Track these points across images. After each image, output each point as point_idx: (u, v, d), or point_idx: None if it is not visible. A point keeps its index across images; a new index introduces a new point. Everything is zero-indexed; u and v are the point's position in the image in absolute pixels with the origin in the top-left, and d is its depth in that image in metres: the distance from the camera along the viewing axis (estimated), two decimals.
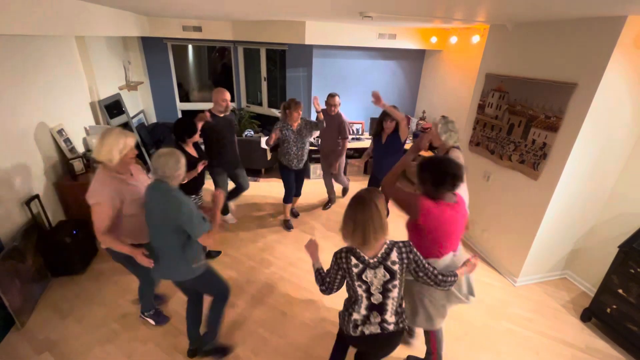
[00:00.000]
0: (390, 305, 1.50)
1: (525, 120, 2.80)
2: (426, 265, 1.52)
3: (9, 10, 1.88)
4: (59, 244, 2.75)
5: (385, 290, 1.47)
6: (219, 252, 3.29)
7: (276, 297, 2.80)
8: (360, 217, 1.39)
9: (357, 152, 5.24)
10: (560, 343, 2.51)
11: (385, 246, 1.46)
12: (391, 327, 1.53)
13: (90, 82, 3.80)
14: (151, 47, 5.09)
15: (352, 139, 5.07)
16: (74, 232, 2.87)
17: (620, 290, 2.44)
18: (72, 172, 3.09)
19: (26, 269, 2.53)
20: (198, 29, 4.75)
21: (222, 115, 3.20)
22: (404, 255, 1.47)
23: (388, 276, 1.45)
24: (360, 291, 1.48)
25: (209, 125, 3.06)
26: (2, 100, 2.53)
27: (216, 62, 6.12)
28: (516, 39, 2.87)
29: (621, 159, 2.69)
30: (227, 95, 3.16)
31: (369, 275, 1.45)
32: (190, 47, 5.69)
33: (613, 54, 2.17)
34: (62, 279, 2.87)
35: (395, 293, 1.48)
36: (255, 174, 5.11)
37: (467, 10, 2.44)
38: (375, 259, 1.44)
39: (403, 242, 1.50)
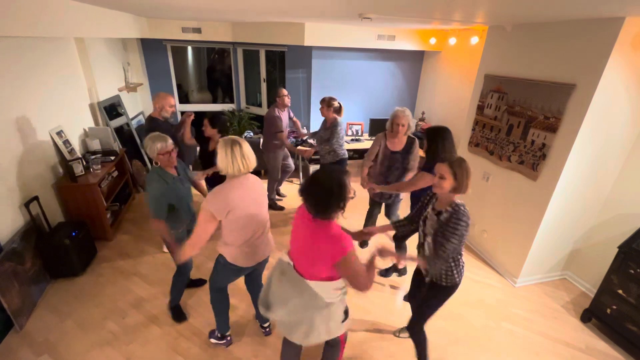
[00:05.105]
0: None
1: (524, 121, 2.81)
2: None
3: (8, 12, 1.88)
4: (58, 245, 2.74)
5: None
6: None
7: None
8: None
9: (357, 153, 5.24)
10: (560, 343, 2.51)
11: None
12: None
13: (89, 83, 3.80)
14: (151, 48, 5.09)
15: (351, 140, 5.08)
16: (73, 233, 2.86)
17: (620, 291, 2.44)
18: (71, 174, 3.09)
19: (25, 271, 2.52)
20: (197, 30, 4.75)
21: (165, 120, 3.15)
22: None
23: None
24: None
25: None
26: (1, 101, 2.53)
27: (215, 64, 6.12)
28: (515, 40, 2.88)
29: (620, 159, 2.69)
30: (173, 100, 3.13)
31: None
32: (189, 48, 5.69)
33: (611, 55, 2.18)
34: (61, 281, 2.86)
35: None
36: (255, 175, 5.10)
37: (466, 12, 2.45)
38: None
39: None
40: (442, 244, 1.69)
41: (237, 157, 1.75)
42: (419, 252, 1.96)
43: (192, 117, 3.30)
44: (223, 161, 1.75)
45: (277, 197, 4.48)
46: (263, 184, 2.00)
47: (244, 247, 1.92)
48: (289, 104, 3.87)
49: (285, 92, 3.77)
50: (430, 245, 1.79)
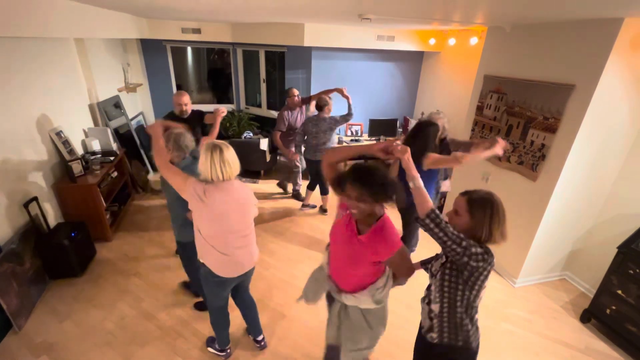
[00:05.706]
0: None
1: (523, 122, 2.81)
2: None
3: (8, 12, 1.88)
4: (57, 246, 2.73)
5: None
6: None
7: (276, 299, 2.79)
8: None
9: None
10: (559, 344, 2.51)
11: None
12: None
13: (89, 84, 3.81)
14: (150, 49, 5.09)
15: (351, 140, 5.08)
16: (72, 234, 2.86)
17: (619, 291, 2.44)
18: (70, 174, 3.08)
19: (24, 272, 2.52)
20: (197, 31, 4.75)
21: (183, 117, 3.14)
22: None
23: None
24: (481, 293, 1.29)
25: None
26: (0, 102, 2.53)
27: (215, 64, 6.13)
28: (514, 40, 2.88)
29: (619, 159, 2.69)
30: (184, 99, 3.13)
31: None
32: (189, 49, 5.69)
33: (610, 56, 2.18)
34: (60, 282, 2.85)
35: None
36: (255, 175, 5.12)
37: (465, 12, 2.45)
38: None
39: None
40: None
41: (216, 163, 1.69)
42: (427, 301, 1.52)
43: (224, 112, 3.04)
44: (202, 166, 1.71)
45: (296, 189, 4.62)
46: (250, 192, 1.92)
47: (224, 255, 1.84)
48: (300, 104, 3.94)
49: (295, 92, 3.87)
50: (436, 297, 1.36)
